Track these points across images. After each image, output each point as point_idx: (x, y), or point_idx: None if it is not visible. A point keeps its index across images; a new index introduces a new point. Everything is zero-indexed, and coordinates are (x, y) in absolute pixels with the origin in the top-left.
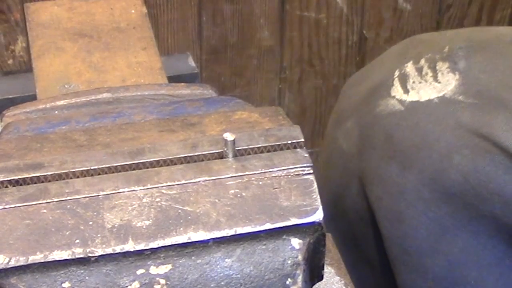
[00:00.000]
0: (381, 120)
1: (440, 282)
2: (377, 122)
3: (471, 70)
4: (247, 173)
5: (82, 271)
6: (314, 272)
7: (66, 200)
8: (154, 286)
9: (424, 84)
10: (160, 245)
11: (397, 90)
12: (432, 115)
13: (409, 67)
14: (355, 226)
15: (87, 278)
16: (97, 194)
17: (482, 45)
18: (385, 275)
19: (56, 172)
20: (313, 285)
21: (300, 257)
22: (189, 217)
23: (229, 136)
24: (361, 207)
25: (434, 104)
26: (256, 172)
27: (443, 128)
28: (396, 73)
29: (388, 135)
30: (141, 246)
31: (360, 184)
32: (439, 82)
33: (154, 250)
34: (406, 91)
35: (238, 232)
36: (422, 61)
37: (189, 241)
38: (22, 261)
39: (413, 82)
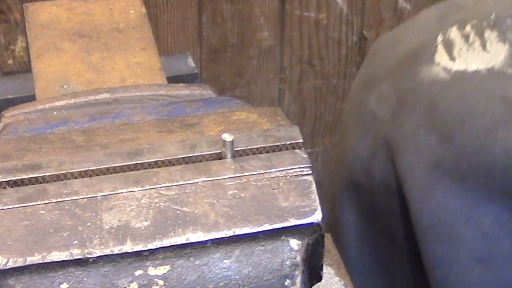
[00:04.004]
0: (423, 88)
1: (473, 253)
2: (419, 89)
3: None
4: (245, 174)
5: (80, 272)
6: (313, 273)
7: (64, 201)
8: (152, 287)
9: (472, 53)
10: (158, 246)
11: (442, 57)
12: (479, 86)
13: (454, 33)
14: (378, 195)
15: (85, 279)
16: (95, 195)
17: None
18: (405, 247)
19: (54, 173)
20: (312, 286)
21: (298, 258)
22: (188, 218)
23: (227, 137)
24: (388, 175)
25: (482, 75)
26: (254, 172)
27: (490, 100)
28: (439, 38)
29: (430, 104)
30: (139, 247)
31: (389, 151)
32: (488, 52)
33: (152, 251)
34: (452, 58)
35: (236, 233)
36: (468, 28)
37: (188, 242)
38: (20, 262)
39: (460, 49)
